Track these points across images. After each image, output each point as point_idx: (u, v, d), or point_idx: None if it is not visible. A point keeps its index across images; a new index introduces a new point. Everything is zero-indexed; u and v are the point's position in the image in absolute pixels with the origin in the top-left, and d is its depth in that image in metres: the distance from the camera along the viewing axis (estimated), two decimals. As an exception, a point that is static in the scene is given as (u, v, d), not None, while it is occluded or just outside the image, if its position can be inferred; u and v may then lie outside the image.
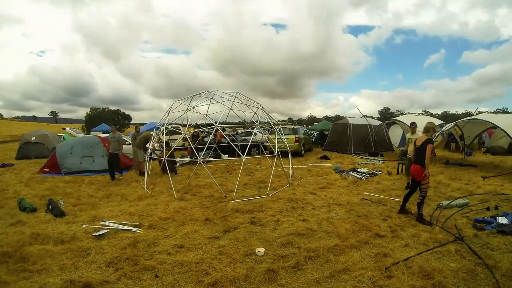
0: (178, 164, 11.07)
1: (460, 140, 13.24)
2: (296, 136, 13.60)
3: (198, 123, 10.86)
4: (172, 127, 8.66)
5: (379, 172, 9.42)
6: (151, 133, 9.73)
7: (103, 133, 21.31)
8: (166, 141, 8.15)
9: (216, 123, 7.19)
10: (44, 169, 9.53)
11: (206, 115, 9.68)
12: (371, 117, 63.65)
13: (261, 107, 8.21)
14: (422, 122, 12.88)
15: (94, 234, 4.24)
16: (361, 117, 17.08)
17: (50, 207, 5.44)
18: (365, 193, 6.65)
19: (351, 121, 15.90)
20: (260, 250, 3.64)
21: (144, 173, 8.86)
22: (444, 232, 4.22)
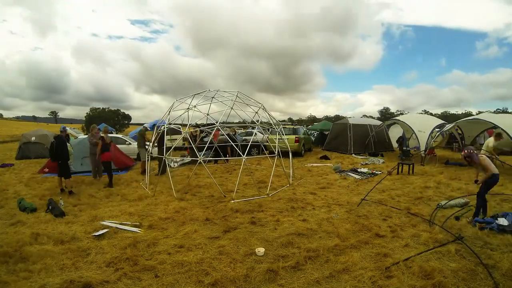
0: (177, 164, 11.07)
1: (461, 140, 13.24)
2: (296, 136, 13.62)
3: (198, 123, 10.83)
4: (174, 126, 8.69)
5: (379, 172, 9.42)
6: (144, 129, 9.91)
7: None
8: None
9: (217, 122, 7.19)
10: (44, 170, 9.53)
11: (207, 114, 9.68)
12: (371, 117, 63.70)
13: (262, 107, 8.21)
14: (422, 122, 12.94)
15: (94, 234, 4.24)
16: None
17: (50, 207, 5.44)
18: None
19: (351, 121, 15.90)
20: (260, 250, 3.64)
21: (144, 172, 8.87)
22: (444, 232, 4.22)
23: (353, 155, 14.01)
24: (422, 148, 11.51)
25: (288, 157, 8.76)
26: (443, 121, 13.83)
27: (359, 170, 9.63)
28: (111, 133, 23.34)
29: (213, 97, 8.64)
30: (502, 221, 4.33)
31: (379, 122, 16.78)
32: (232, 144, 9.46)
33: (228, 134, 11.03)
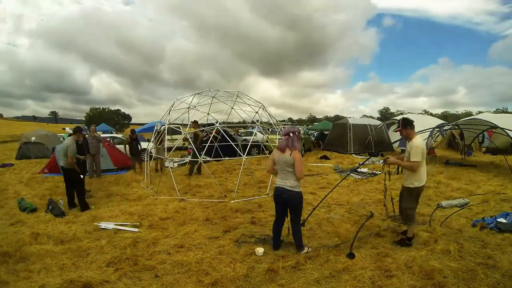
0: (176, 164, 11.06)
1: (460, 140, 13.24)
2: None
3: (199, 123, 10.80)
4: (173, 126, 8.66)
5: (379, 172, 9.42)
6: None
7: (103, 133, 21.37)
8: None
9: (216, 122, 7.21)
10: (45, 170, 9.54)
11: (208, 113, 9.68)
12: (371, 117, 63.88)
13: (262, 107, 8.22)
14: (422, 122, 12.94)
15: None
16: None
17: (50, 207, 5.44)
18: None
19: (351, 121, 15.90)
20: (260, 250, 3.65)
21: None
22: (444, 231, 4.22)
23: (353, 155, 14.01)
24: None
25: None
26: (442, 121, 13.85)
27: (359, 170, 9.62)
28: (111, 133, 23.30)
29: (213, 97, 8.64)
30: (501, 221, 4.34)
31: (379, 122, 16.79)
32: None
33: (229, 134, 10.99)
